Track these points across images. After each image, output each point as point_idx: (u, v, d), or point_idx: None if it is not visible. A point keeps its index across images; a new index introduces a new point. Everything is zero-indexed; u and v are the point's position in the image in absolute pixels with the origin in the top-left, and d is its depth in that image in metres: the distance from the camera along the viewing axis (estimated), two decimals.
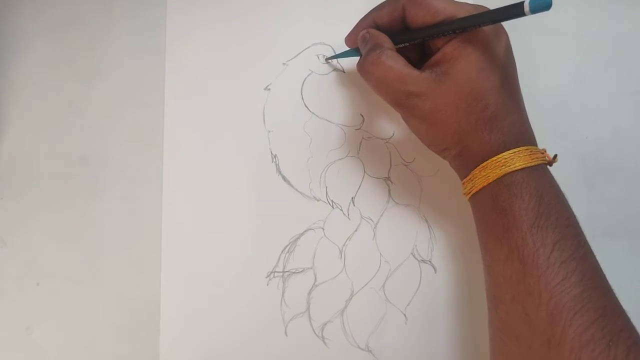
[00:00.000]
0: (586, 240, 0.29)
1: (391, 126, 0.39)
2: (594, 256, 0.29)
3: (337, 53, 0.39)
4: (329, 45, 0.40)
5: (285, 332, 0.37)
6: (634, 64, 0.40)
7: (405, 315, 0.38)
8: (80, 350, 0.38)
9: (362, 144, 0.39)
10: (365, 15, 0.35)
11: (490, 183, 0.30)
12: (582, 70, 0.40)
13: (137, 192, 0.39)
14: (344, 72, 0.40)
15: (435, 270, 0.38)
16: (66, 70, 0.40)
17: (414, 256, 0.38)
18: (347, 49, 0.37)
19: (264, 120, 0.39)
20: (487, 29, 0.30)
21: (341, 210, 0.39)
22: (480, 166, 0.30)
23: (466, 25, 0.29)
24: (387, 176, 0.39)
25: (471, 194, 0.31)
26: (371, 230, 0.38)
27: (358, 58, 0.34)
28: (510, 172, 0.29)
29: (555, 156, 0.31)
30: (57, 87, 0.40)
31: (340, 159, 0.39)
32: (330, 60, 0.39)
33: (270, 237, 0.38)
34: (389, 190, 0.39)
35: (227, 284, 0.38)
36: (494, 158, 0.29)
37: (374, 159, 0.39)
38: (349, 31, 0.36)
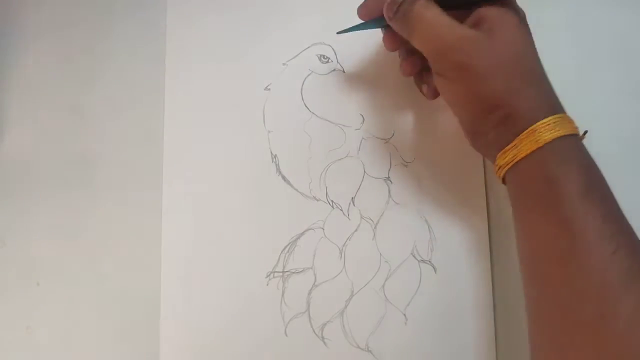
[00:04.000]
0: (624, 214, 0.28)
1: (391, 126, 0.39)
2: (633, 230, 0.27)
3: (348, 27, 0.36)
4: (329, 45, 0.40)
5: (285, 332, 0.37)
6: (634, 63, 0.40)
7: (405, 315, 0.38)
8: (80, 350, 0.38)
9: (362, 144, 0.39)
10: None
11: (539, 148, 0.27)
12: (582, 70, 0.40)
13: (137, 192, 0.39)
14: (344, 72, 0.40)
15: (435, 270, 0.38)
16: (66, 70, 0.40)
17: (414, 256, 0.38)
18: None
19: (264, 120, 0.39)
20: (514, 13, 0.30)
21: (341, 210, 0.39)
22: (529, 129, 0.28)
23: None
24: (387, 176, 0.39)
25: (513, 162, 0.28)
26: (371, 230, 0.38)
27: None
28: (560, 137, 0.27)
29: (585, 132, 0.30)
30: (57, 87, 0.40)
31: (340, 159, 0.39)
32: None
33: (270, 237, 0.38)
34: (389, 190, 0.39)
35: (227, 284, 0.38)
36: (544, 120, 0.27)
37: (374, 159, 0.39)
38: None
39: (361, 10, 0.34)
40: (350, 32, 0.35)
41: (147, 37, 0.41)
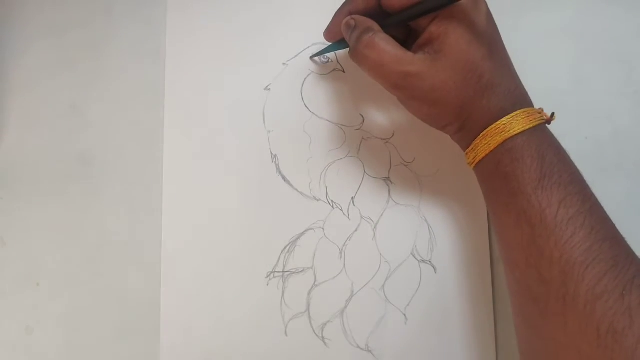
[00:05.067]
0: (592, 194, 0.29)
1: (391, 126, 0.39)
2: (602, 208, 0.29)
3: (319, 51, 0.39)
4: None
5: (285, 332, 0.37)
6: (633, 64, 0.40)
7: (405, 315, 0.38)
8: (80, 350, 0.38)
9: (362, 144, 0.39)
10: (339, 9, 0.35)
11: (492, 150, 0.30)
12: (582, 70, 0.40)
13: (137, 192, 0.39)
14: (344, 72, 0.40)
15: (435, 270, 0.38)
16: (66, 71, 0.40)
17: (414, 256, 0.38)
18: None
19: (264, 120, 0.39)
20: (465, 1, 0.30)
21: (341, 210, 0.39)
22: (481, 135, 0.30)
23: (448, 1, 0.29)
24: (387, 176, 0.39)
25: (475, 163, 0.32)
26: (371, 230, 0.38)
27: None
28: (511, 137, 0.29)
29: (553, 114, 0.31)
30: (57, 88, 0.40)
31: (340, 159, 0.39)
32: (315, 58, 0.39)
33: (270, 237, 0.38)
34: (389, 190, 0.39)
35: (227, 284, 0.38)
36: (493, 125, 0.30)
37: (374, 159, 0.39)
38: None
39: (326, 35, 0.36)
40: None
41: (147, 36, 0.41)
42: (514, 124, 0.29)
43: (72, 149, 0.40)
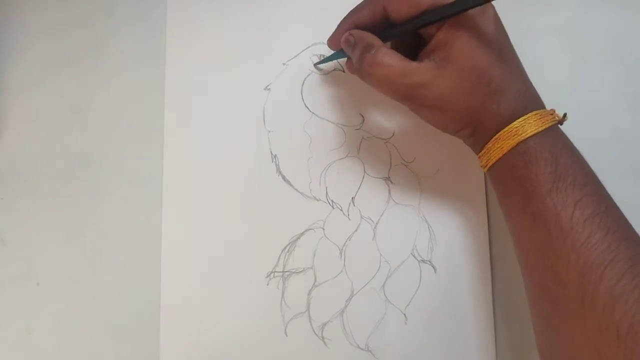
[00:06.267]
0: (607, 194, 0.29)
1: (391, 126, 0.39)
2: (618, 208, 0.29)
3: (324, 58, 0.39)
4: None
5: (285, 332, 0.38)
6: (633, 64, 0.40)
7: (405, 315, 0.38)
8: (80, 350, 0.38)
9: (362, 144, 0.39)
10: (344, 19, 0.35)
11: (505, 154, 0.30)
12: (582, 70, 0.40)
13: (137, 192, 0.39)
14: (344, 72, 0.40)
15: (435, 270, 0.38)
16: (67, 70, 0.40)
17: (414, 256, 0.38)
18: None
19: (264, 120, 0.39)
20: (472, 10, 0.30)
21: (341, 210, 0.39)
22: (493, 139, 0.30)
23: (451, 12, 0.30)
24: (387, 176, 0.39)
25: (488, 166, 0.31)
26: (371, 230, 0.39)
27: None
28: (523, 140, 0.29)
29: (565, 115, 0.31)
30: (57, 88, 0.40)
31: (340, 159, 0.39)
32: (318, 66, 0.39)
33: (270, 237, 0.38)
34: (389, 190, 0.39)
35: (227, 284, 0.38)
36: (506, 129, 0.30)
37: (374, 159, 0.39)
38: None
39: (330, 42, 0.36)
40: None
41: (147, 36, 0.41)
42: (526, 126, 0.29)
43: (72, 149, 0.40)
